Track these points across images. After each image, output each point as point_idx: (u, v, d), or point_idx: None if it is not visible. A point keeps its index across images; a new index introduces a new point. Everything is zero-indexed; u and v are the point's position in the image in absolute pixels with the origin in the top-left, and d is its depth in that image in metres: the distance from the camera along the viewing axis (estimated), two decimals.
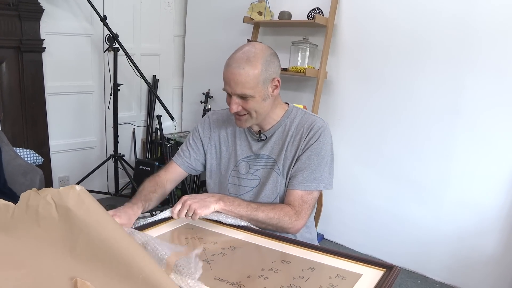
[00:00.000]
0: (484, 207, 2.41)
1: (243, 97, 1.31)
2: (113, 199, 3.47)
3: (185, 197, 1.24)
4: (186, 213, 1.22)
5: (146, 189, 1.41)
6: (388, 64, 2.69)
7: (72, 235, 0.79)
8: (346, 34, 2.85)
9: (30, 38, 2.91)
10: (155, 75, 3.75)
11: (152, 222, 1.27)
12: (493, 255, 2.41)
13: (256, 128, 1.47)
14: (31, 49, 2.94)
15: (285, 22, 2.96)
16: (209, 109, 3.66)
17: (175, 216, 1.23)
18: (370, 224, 2.88)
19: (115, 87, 3.18)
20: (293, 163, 1.40)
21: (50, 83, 3.11)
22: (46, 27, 3.00)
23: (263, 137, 1.45)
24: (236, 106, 1.33)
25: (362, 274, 0.98)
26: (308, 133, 1.39)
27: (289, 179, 1.40)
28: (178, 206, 1.23)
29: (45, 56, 3.03)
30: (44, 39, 2.97)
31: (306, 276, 0.98)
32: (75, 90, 3.29)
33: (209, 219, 1.28)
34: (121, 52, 3.07)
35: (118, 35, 3.04)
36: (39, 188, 2.60)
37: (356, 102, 2.87)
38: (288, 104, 1.49)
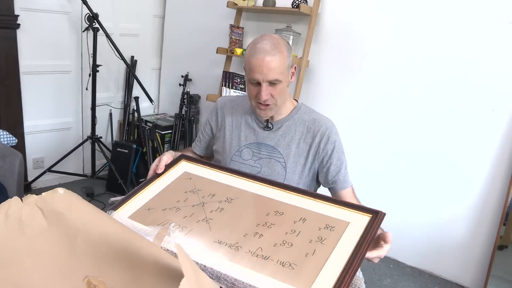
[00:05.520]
0: (457, 198, 2.53)
1: (272, 84, 1.33)
2: (89, 181, 3.43)
3: None
4: None
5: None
6: (366, 55, 2.74)
7: (68, 237, 0.77)
8: (328, 24, 2.88)
9: (3, 14, 2.79)
10: (133, 56, 3.68)
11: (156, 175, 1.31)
12: (462, 241, 2.55)
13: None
14: (5, 25, 2.83)
15: (269, 9, 2.95)
16: (188, 92, 3.64)
17: None
18: None
19: (94, 68, 3.10)
20: (310, 163, 1.45)
21: (25, 61, 3.00)
22: (21, 2, 2.88)
23: (270, 125, 1.47)
24: (266, 94, 1.33)
25: (349, 222, 1.04)
26: (325, 135, 1.43)
27: (332, 183, 1.46)
28: None
29: (19, 33, 2.92)
30: (18, 15, 2.86)
31: (297, 229, 1.03)
32: (51, 69, 3.19)
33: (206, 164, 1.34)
34: (100, 31, 3.00)
35: (98, 15, 2.96)
36: (19, 172, 2.51)
37: (335, 91, 2.92)
38: (296, 100, 1.53)
